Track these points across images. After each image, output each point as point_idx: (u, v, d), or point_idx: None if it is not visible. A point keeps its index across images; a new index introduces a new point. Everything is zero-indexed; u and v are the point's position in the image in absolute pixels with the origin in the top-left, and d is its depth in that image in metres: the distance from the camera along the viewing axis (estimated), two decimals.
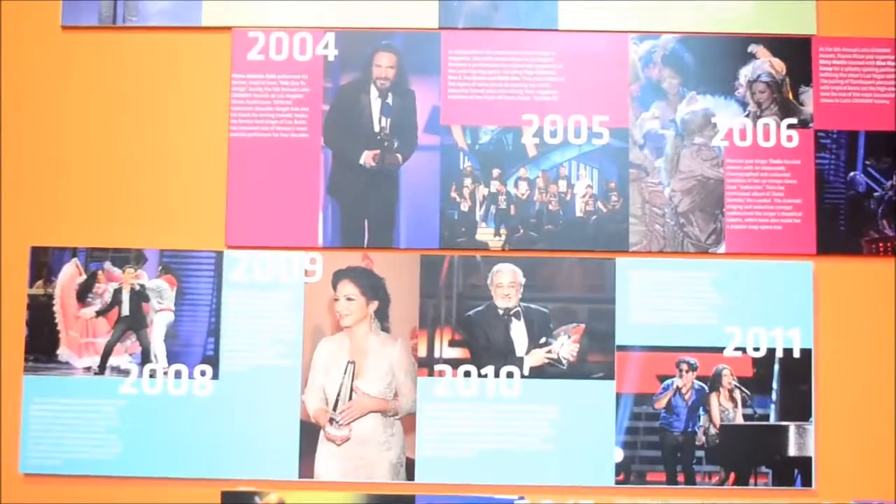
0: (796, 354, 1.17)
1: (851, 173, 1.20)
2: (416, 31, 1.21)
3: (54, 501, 1.15)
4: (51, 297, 1.18)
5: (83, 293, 1.18)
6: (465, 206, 1.19)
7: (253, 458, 1.15)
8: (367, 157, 1.19)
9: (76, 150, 1.19)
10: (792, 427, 1.17)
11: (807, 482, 1.16)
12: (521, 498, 1.15)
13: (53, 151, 1.19)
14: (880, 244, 1.19)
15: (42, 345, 1.17)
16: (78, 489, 1.15)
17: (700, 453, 1.17)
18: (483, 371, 1.17)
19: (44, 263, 1.18)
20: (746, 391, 1.18)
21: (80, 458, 1.16)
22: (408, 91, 1.20)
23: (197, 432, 1.16)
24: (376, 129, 1.20)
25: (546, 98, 1.20)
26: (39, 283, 1.18)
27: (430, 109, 1.20)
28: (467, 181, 1.19)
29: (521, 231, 1.19)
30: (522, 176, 1.20)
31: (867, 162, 1.20)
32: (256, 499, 1.15)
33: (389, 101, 1.20)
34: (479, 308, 1.18)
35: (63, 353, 1.17)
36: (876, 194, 1.20)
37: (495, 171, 1.19)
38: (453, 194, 1.19)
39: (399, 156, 1.20)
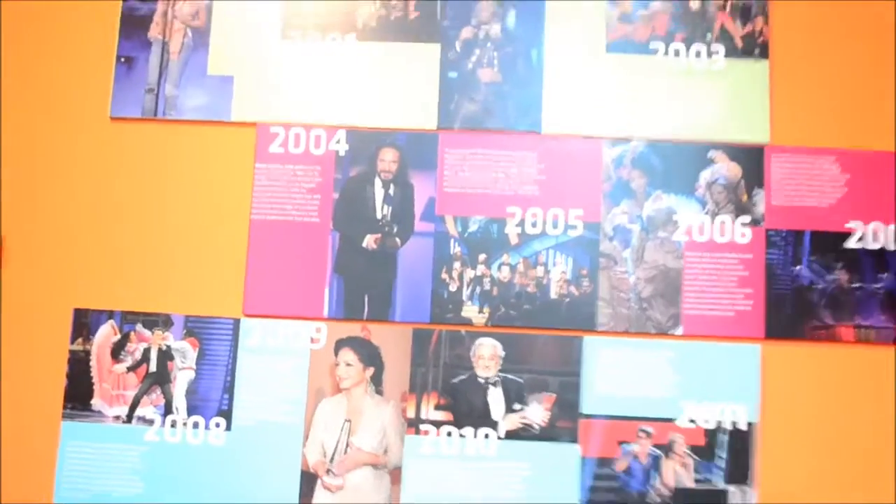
0: (742, 427, 1.50)
1: (797, 267, 1.54)
2: (417, 131, 1.57)
3: None
4: (88, 353, 1.53)
5: (117, 351, 1.53)
6: (453, 287, 1.54)
7: (259, 502, 1.49)
8: (369, 241, 1.55)
9: (117, 224, 1.56)
10: (735, 492, 1.50)
11: None
12: None
13: (97, 225, 1.56)
14: (821, 331, 1.52)
15: (78, 395, 1.52)
16: None
17: None
18: (463, 432, 1.51)
19: (84, 324, 1.54)
20: (697, 458, 1.50)
21: (106, 495, 1.50)
22: (408, 183, 1.56)
23: (210, 477, 1.50)
24: (379, 216, 1.56)
25: (528, 193, 1.55)
26: (79, 340, 1.53)
27: (427, 200, 1.55)
28: (456, 264, 1.54)
29: (503, 310, 1.54)
30: (505, 261, 1.55)
31: (811, 258, 1.54)
32: None
33: (391, 191, 1.56)
34: (463, 377, 1.52)
35: (96, 402, 1.52)
36: (818, 287, 1.53)
37: (481, 257, 1.54)
38: (444, 275, 1.54)
39: (398, 240, 1.55)
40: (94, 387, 1.52)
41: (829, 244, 1.54)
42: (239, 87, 1.59)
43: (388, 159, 1.56)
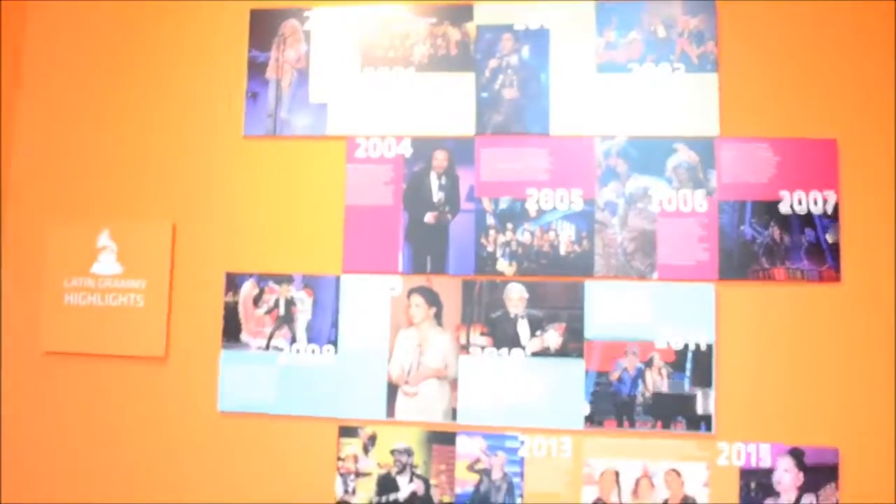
0: (703, 347, 2.31)
1: (742, 227, 2.33)
2: (460, 137, 2.42)
3: (238, 428, 2.41)
4: (236, 303, 2.44)
5: (256, 301, 2.44)
6: (490, 248, 2.39)
7: (358, 404, 2.38)
8: (429, 217, 2.41)
9: (252, 210, 2.46)
10: (699, 393, 2.31)
11: (708, 429, 2.29)
12: (522, 435, 2.33)
13: (238, 212, 2.46)
14: (760, 273, 2.31)
15: (232, 332, 2.44)
16: (251, 421, 2.41)
17: (639, 408, 2.31)
18: (500, 352, 2.36)
19: (233, 282, 2.45)
20: (670, 369, 2.32)
21: (253, 401, 2.41)
22: (455, 175, 2.41)
23: (324, 387, 2.39)
24: (435, 199, 2.41)
25: (541, 179, 2.39)
26: (230, 293, 2.45)
27: (469, 187, 2.40)
28: (491, 232, 2.39)
29: (526, 264, 2.38)
30: (527, 228, 2.38)
31: (752, 219, 2.32)
32: (359, 430, 2.37)
33: (443, 181, 2.41)
34: (499, 313, 2.37)
35: (244, 337, 2.43)
36: (757, 241, 2.32)
37: (509, 226, 2.39)
38: (483, 240, 2.39)
39: (449, 216, 2.41)
40: (242, 326, 2.43)
41: (765, 209, 2.31)
42: (332, 111, 2.46)
43: (440, 158, 2.41)
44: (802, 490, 2.21)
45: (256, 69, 2.49)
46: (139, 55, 2.54)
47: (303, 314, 2.40)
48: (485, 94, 2.41)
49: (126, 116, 2.53)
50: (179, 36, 2.53)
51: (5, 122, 2.54)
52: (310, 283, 2.41)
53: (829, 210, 2.28)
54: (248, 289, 2.43)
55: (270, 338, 2.41)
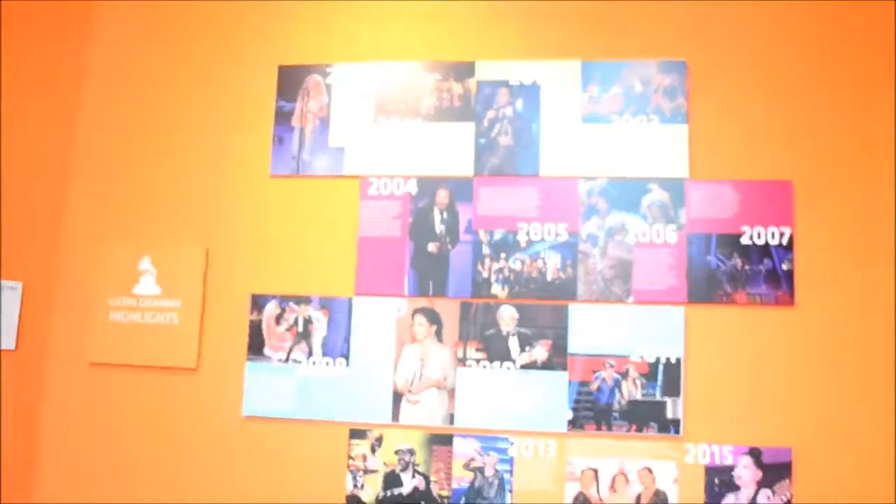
0: (673, 361, 2.64)
1: (707, 257, 2.68)
2: (460, 177, 2.79)
3: (261, 431, 2.73)
4: (260, 321, 2.79)
5: (278, 319, 2.78)
6: (485, 274, 2.74)
7: (367, 410, 2.70)
8: (432, 247, 2.77)
9: (275, 239, 2.82)
10: (669, 400, 2.63)
11: (677, 432, 2.61)
12: (512, 437, 2.65)
13: (263, 240, 2.82)
14: (723, 297, 2.65)
15: (256, 347, 2.78)
16: (272, 424, 2.74)
17: (616, 414, 2.64)
18: (493, 365, 2.69)
19: (257, 303, 2.80)
20: (643, 380, 2.65)
21: (274, 407, 2.74)
22: (455, 211, 2.77)
23: (337, 395, 2.72)
24: (437, 231, 2.77)
25: (531, 214, 2.75)
26: (255, 313, 2.79)
27: (467, 221, 2.76)
28: (486, 260, 2.74)
29: (517, 288, 2.72)
30: (518, 257, 2.74)
31: (717, 251, 2.67)
32: (367, 433, 2.69)
33: (445, 216, 2.77)
34: (492, 331, 2.71)
35: (267, 351, 2.77)
36: (721, 269, 2.66)
37: (502, 255, 2.74)
38: (479, 267, 2.74)
39: (450, 246, 2.76)
40: (265, 341, 2.77)
41: (728, 241, 2.66)
42: (348, 154, 2.84)
43: (442, 195, 2.78)
44: (760, 485, 2.52)
45: (283, 117, 2.87)
46: (182, 105, 2.93)
47: (319, 331, 2.74)
48: (483, 141, 2.78)
49: (168, 156, 2.91)
50: (217, 88, 2.92)
51: (66, 166, 2.92)
52: (326, 304, 2.75)
53: (785, 242, 2.62)
54: (270, 309, 2.77)
55: (290, 352, 2.74)
